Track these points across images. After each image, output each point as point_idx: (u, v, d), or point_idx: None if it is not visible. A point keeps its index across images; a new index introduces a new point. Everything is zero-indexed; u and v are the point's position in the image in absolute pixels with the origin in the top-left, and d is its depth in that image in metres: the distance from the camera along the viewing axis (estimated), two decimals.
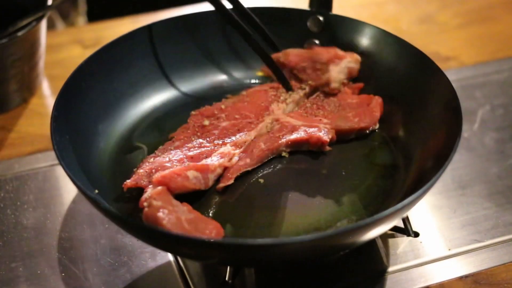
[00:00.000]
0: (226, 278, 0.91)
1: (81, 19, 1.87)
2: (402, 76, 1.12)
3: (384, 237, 1.01)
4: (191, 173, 0.95)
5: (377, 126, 1.08)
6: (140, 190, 0.95)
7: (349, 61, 1.15)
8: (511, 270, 0.98)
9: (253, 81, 1.21)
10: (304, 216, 0.95)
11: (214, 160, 0.98)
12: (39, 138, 1.21)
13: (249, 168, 1.01)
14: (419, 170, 0.99)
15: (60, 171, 1.13)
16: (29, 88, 1.29)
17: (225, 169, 0.99)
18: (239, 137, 1.04)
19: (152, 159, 1.00)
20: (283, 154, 1.05)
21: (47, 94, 1.33)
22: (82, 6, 1.88)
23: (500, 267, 0.98)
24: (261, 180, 1.01)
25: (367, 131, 1.08)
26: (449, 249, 1.00)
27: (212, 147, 1.02)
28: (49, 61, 1.35)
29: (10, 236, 1.02)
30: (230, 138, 1.04)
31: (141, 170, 0.97)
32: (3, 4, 1.28)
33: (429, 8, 1.59)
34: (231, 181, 0.99)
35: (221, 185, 0.98)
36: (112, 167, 1.02)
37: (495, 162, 1.15)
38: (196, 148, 1.02)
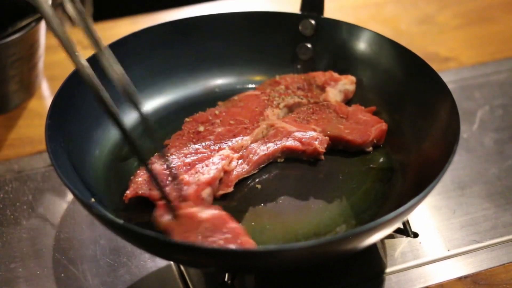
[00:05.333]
0: (226, 279, 0.92)
1: (88, 20, 1.87)
2: (397, 79, 1.12)
3: (384, 238, 1.01)
4: (205, 192, 0.95)
5: (370, 149, 1.07)
6: (138, 198, 0.95)
7: (345, 83, 1.15)
8: (510, 271, 0.98)
9: (245, 86, 1.20)
10: (302, 221, 0.95)
11: (215, 162, 0.98)
12: (39, 139, 1.21)
13: (247, 175, 1.01)
14: (416, 173, 0.99)
15: None
16: (28, 88, 1.29)
17: (224, 174, 0.99)
18: (235, 142, 1.04)
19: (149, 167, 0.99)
20: (279, 160, 1.05)
21: (47, 94, 1.33)
22: (89, 7, 1.88)
23: (499, 268, 0.98)
24: (258, 186, 1.01)
25: (361, 148, 1.06)
26: (448, 250, 1.00)
27: (209, 153, 1.01)
28: (48, 61, 1.35)
29: (10, 236, 1.02)
30: (226, 143, 1.04)
31: (140, 179, 0.97)
32: (3, 4, 1.28)
33: (429, 9, 1.59)
34: (231, 189, 0.98)
35: (220, 192, 0.98)
36: (107, 175, 1.02)
37: (494, 163, 1.15)
38: (193, 154, 1.02)
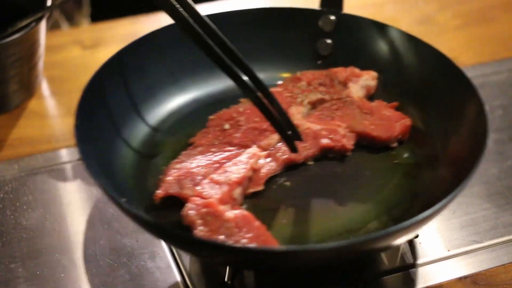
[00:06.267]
0: (226, 279, 0.92)
1: (85, 20, 1.87)
2: (419, 75, 1.12)
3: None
4: (236, 192, 0.95)
5: (395, 144, 1.07)
6: (168, 197, 0.95)
7: (366, 79, 1.16)
8: (510, 271, 0.98)
9: (266, 82, 1.20)
10: (334, 218, 0.95)
11: (243, 161, 0.98)
12: (39, 139, 1.21)
13: (276, 173, 1.01)
14: (446, 168, 0.99)
15: (59, 172, 1.14)
16: (28, 89, 1.29)
17: (253, 172, 0.99)
18: (262, 140, 1.04)
19: (178, 166, 0.99)
20: (308, 163, 1.04)
21: (47, 95, 1.32)
22: (86, 7, 1.88)
23: (499, 268, 0.98)
24: (287, 183, 1.01)
25: (386, 144, 1.07)
26: (448, 250, 1.00)
27: (237, 151, 1.02)
28: (48, 61, 1.35)
29: (10, 237, 1.02)
30: (253, 141, 1.04)
31: (170, 178, 0.96)
32: (3, 4, 1.28)
33: (428, 9, 1.59)
34: (261, 187, 0.98)
35: (251, 190, 0.98)
36: (134, 174, 1.01)
37: (494, 163, 1.15)
38: (220, 152, 1.02)
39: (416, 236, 1.01)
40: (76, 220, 1.05)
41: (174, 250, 0.99)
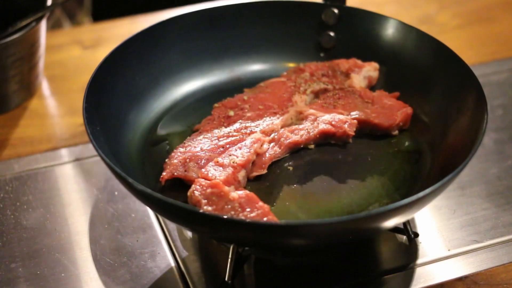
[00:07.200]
0: (226, 279, 0.92)
1: (87, 19, 1.88)
2: (420, 66, 1.14)
3: (384, 237, 1.01)
4: (240, 174, 0.97)
5: (396, 132, 1.09)
6: (172, 180, 0.97)
7: (368, 70, 1.17)
8: (510, 271, 0.98)
9: (269, 74, 1.21)
10: (336, 200, 0.97)
11: (247, 145, 1.00)
12: (39, 138, 1.21)
13: (279, 157, 1.04)
14: (445, 154, 1.00)
15: (59, 172, 1.14)
16: (28, 88, 1.29)
17: (256, 156, 1.01)
18: (266, 126, 1.06)
19: (183, 149, 1.01)
20: (310, 146, 1.07)
21: (47, 94, 1.33)
22: (88, 7, 1.88)
23: (499, 268, 0.98)
24: (290, 168, 1.03)
25: (387, 132, 1.08)
26: (449, 250, 1.00)
27: (241, 136, 1.04)
28: (48, 61, 1.35)
29: (10, 236, 1.02)
30: (257, 127, 1.06)
31: (175, 161, 0.99)
32: (3, 4, 1.28)
33: (429, 9, 1.59)
34: (265, 171, 1.00)
35: (254, 174, 1.00)
36: (140, 158, 1.04)
37: (495, 163, 1.15)
38: (225, 137, 1.04)
39: (416, 236, 1.01)
40: (76, 220, 1.05)
41: (174, 250, 1.00)
